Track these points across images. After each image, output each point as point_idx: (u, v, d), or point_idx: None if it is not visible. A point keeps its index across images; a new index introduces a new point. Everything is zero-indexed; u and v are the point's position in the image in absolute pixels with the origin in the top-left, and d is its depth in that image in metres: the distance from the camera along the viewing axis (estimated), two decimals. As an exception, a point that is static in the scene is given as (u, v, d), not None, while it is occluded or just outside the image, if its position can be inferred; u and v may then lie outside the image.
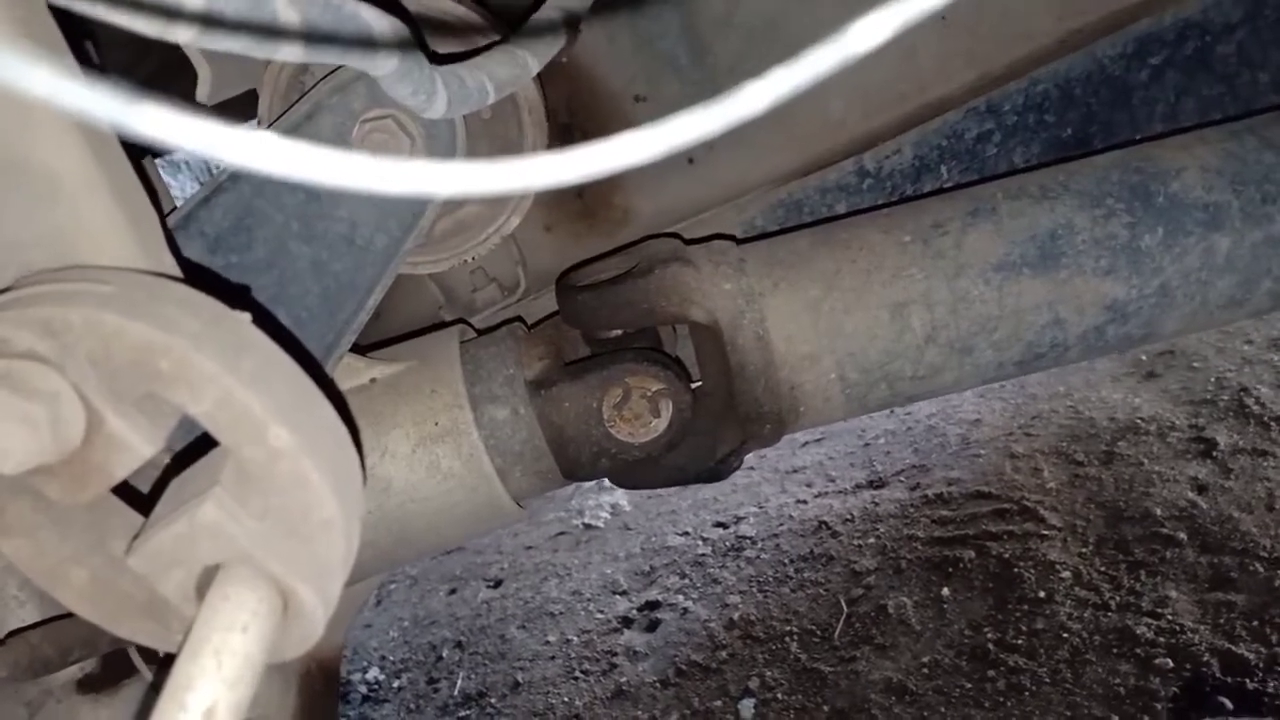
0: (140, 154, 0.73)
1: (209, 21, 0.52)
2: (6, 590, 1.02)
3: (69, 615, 0.97)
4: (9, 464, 0.50)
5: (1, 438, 0.49)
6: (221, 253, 0.86)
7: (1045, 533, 2.44)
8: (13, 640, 0.94)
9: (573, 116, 1.27)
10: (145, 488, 0.62)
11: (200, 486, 0.53)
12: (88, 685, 1.07)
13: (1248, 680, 1.94)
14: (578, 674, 2.43)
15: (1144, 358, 2.97)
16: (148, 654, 1.09)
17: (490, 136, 1.09)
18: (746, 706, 2.21)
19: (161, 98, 0.27)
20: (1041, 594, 2.27)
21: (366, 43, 0.66)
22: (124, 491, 0.59)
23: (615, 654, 2.46)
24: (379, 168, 0.27)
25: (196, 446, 0.57)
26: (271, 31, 0.57)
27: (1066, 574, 2.30)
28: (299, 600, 0.53)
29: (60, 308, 0.51)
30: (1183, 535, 2.31)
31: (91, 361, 0.51)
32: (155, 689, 1.09)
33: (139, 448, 0.53)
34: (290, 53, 0.55)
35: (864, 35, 0.26)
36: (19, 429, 0.49)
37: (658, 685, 2.34)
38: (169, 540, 0.52)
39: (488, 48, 0.89)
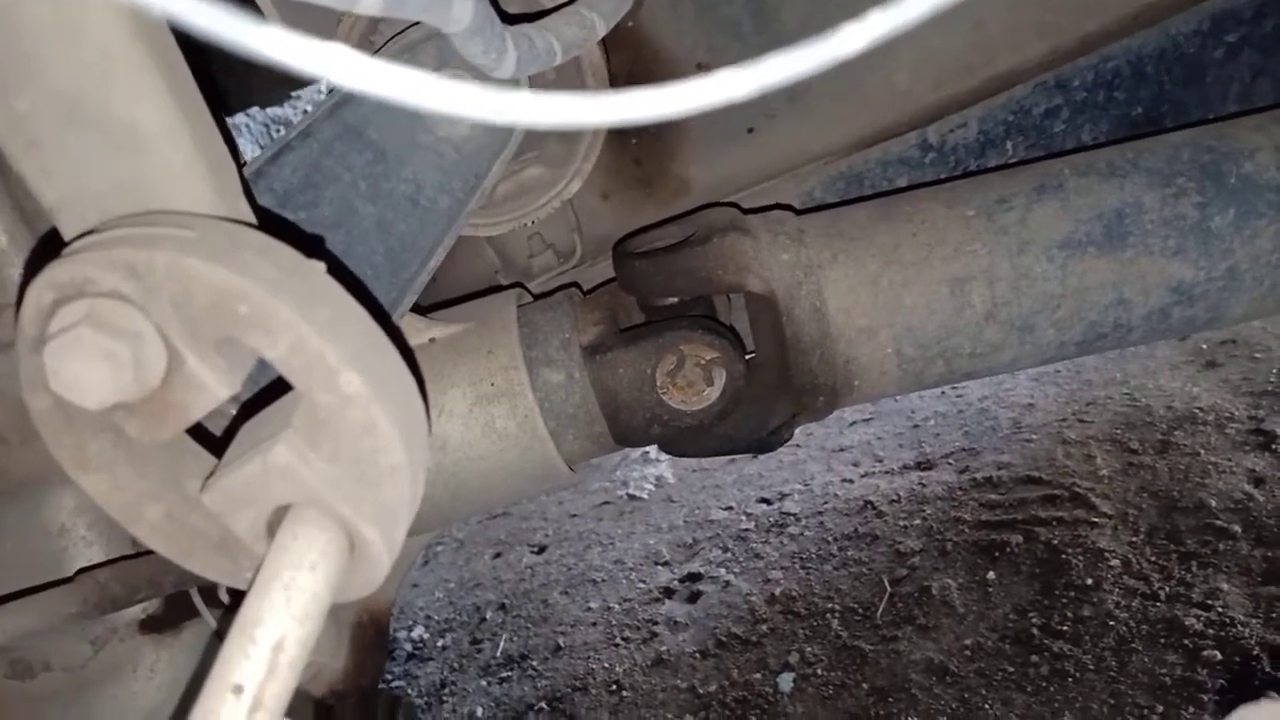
0: (215, 109, 0.74)
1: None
2: (76, 530, 1.06)
3: (136, 555, 1.00)
4: (92, 399, 0.51)
5: (86, 373, 0.50)
6: (290, 209, 0.87)
7: (1095, 520, 2.40)
8: (82, 577, 0.97)
9: (634, 84, 1.27)
10: (218, 431, 0.64)
11: (273, 429, 0.54)
12: (150, 626, 1.10)
13: (1299, 676, 1.91)
14: (618, 641, 2.46)
15: (1204, 346, 2.90)
16: (209, 598, 1.13)
17: (553, 101, 1.09)
18: (785, 680, 2.22)
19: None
20: (1089, 581, 2.24)
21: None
22: (198, 434, 0.61)
23: (656, 623, 2.48)
24: (471, 91, 0.28)
25: (270, 390, 0.59)
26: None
27: (1115, 562, 2.27)
28: (365, 542, 0.54)
29: (144, 250, 0.52)
30: (1237, 528, 2.27)
31: (173, 304, 0.52)
32: (220, 636, 1.12)
33: (216, 389, 0.54)
34: (369, 5, 0.55)
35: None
36: (103, 365, 0.51)
37: (697, 655, 2.35)
38: (242, 480, 0.54)
39: (556, 9, 0.90)
